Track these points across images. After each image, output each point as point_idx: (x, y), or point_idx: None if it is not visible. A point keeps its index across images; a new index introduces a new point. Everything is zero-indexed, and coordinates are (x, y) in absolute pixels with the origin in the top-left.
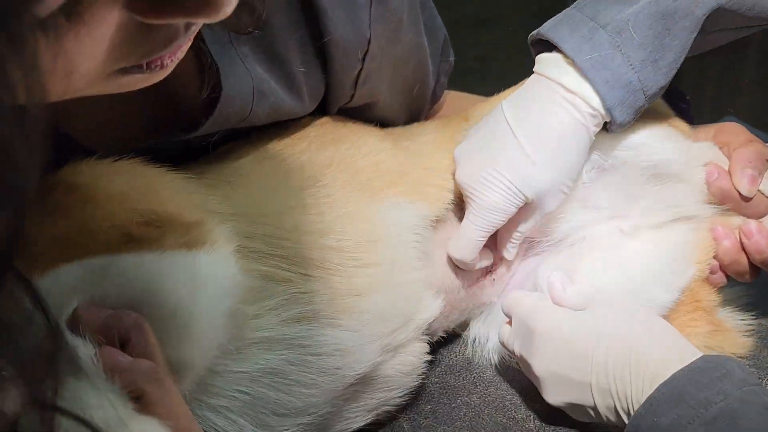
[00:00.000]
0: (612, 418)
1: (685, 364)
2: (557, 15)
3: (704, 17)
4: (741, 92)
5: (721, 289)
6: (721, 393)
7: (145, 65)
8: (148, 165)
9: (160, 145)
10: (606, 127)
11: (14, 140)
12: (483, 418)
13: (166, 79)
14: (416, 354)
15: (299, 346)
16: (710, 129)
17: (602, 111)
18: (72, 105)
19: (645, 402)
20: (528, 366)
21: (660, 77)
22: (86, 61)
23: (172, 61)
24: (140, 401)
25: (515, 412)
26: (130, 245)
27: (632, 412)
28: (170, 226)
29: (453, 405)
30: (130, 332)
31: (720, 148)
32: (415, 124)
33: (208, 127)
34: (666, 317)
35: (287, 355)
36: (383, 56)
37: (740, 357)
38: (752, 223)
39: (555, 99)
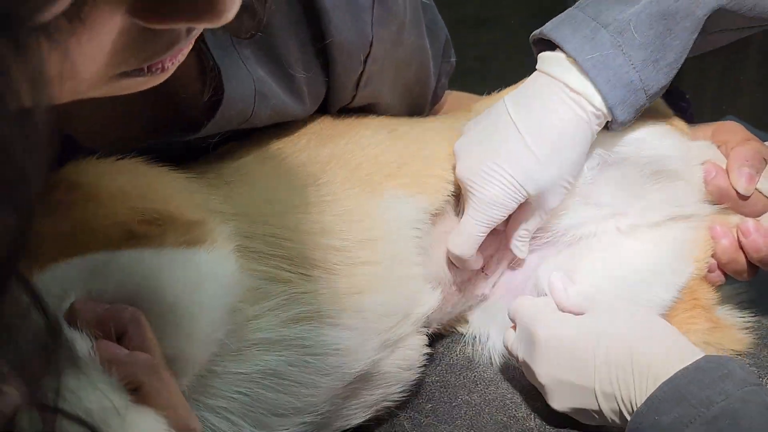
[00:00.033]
0: (617, 420)
1: (685, 364)
2: (559, 15)
3: (705, 17)
4: (742, 92)
5: (719, 288)
6: (722, 393)
7: (146, 68)
8: (149, 164)
9: (161, 145)
10: (607, 126)
11: (19, 143)
12: (483, 417)
13: (167, 80)
14: (415, 348)
15: (299, 346)
16: (708, 128)
17: (604, 110)
18: (73, 107)
19: (647, 400)
20: (532, 372)
21: (661, 77)
22: (88, 65)
23: (173, 63)
24: (137, 393)
25: (516, 410)
26: (130, 242)
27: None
28: (171, 225)
29: (453, 404)
30: (127, 326)
31: (718, 147)
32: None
33: (210, 129)
34: (665, 316)
35: (287, 357)
36: (385, 58)
37: (739, 354)
38: (750, 222)
39: (559, 97)
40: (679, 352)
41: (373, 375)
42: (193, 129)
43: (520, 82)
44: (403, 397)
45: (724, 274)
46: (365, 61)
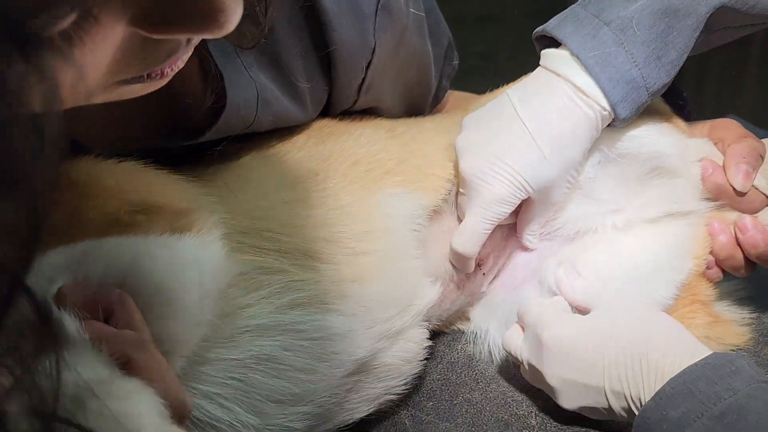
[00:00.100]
0: (626, 416)
1: (690, 357)
2: (562, 12)
3: (707, 15)
4: (743, 90)
5: (717, 284)
6: (730, 389)
7: (145, 75)
8: (147, 165)
9: (162, 147)
10: (608, 123)
11: (30, 150)
12: (484, 415)
13: (170, 85)
14: (416, 340)
15: (293, 331)
16: (705, 125)
17: (607, 107)
18: (75, 110)
19: (655, 395)
20: (539, 375)
21: (663, 74)
22: (90, 74)
23: (172, 70)
24: (127, 368)
25: (517, 408)
26: (117, 230)
27: None
28: (158, 214)
29: (454, 402)
30: (114, 307)
31: (715, 144)
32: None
33: (212, 135)
34: (665, 311)
35: (281, 341)
36: (387, 64)
37: (739, 350)
38: (747, 218)
39: (565, 94)
40: (685, 349)
41: (374, 367)
42: (195, 134)
43: (521, 78)
44: (405, 392)
45: (722, 270)
46: (367, 68)
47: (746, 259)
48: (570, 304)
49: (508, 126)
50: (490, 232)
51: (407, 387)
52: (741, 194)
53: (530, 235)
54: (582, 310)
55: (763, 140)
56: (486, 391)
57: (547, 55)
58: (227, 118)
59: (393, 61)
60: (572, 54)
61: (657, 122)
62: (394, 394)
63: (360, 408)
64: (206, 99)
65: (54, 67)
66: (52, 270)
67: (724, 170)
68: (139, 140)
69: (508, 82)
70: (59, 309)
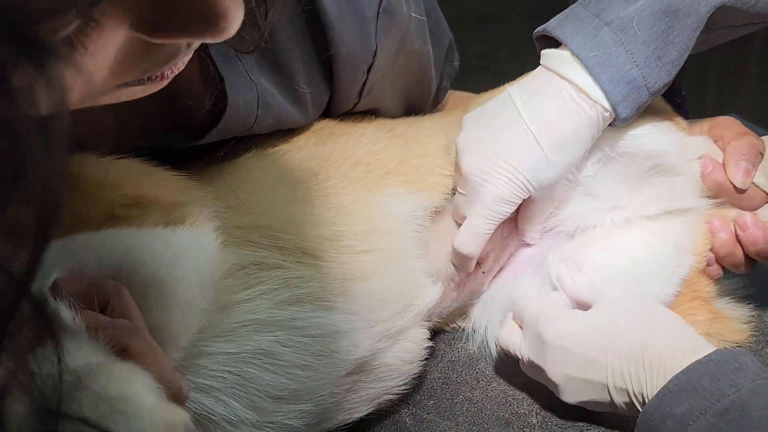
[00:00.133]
0: (628, 411)
1: (691, 353)
2: (563, 12)
3: (708, 15)
4: (744, 89)
5: (717, 281)
6: (733, 385)
7: (145, 78)
8: (146, 162)
9: (161, 146)
10: (610, 122)
11: (39, 154)
12: (485, 414)
13: (171, 87)
14: (417, 340)
15: (291, 327)
16: (705, 123)
17: (607, 107)
18: (75, 111)
19: (659, 392)
20: (540, 371)
21: (663, 74)
22: (92, 78)
23: (172, 72)
24: (123, 354)
25: (517, 407)
26: (111, 222)
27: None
28: (151, 207)
29: (455, 400)
30: (110, 298)
31: (714, 142)
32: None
33: (212, 137)
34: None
35: (278, 336)
36: (388, 67)
37: (740, 347)
38: (747, 215)
39: (567, 94)
40: (687, 345)
41: (374, 367)
42: (195, 135)
43: (521, 77)
44: (405, 392)
45: (723, 268)
46: (368, 71)
47: (746, 256)
48: (571, 301)
49: (510, 125)
50: (492, 231)
51: (407, 387)
52: (741, 191)
53: (531, 231)
54: (583, 306)
55: (762, 137)
56: (487, 389)
57: (548, 54)
58: (228, 121)
59: (394, 63)
60: (573, 54)
61: (657, 121)
62: (393, 394)
63: (359, 408)
64: (206, 101)
65: (60, 71)
66: (47, 262)
67: (724, 167)
68: (138, 140)
69: (508, 82)
70: (55, 300)
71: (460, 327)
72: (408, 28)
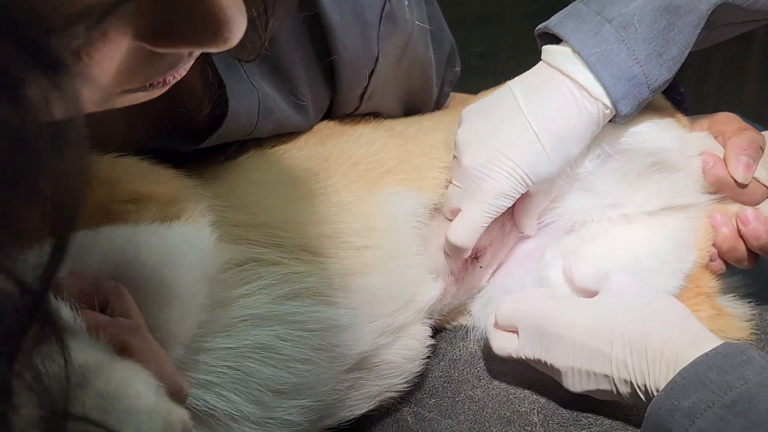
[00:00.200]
0: (633, 401)
1: (694, 346)
2: (564, 9)
3: (709, 12)
4: (744, 86)
5: (720, 277)
6: (741, 378)
7: (147, 84)
8: (146, 161)
9: (162, 148)
10: (610, 119)
11: (53, 160)
12: (487, 412)
13: (172, 93)
14: (418, 338)
15: (290, 321)
16: (705, 119)
17: (608, 104)
18: (89, 116)
19: (666, 386)
20: (545, 364)
21: (664, 71)
22: (96, 86)
23: (173, 78)
24: (124, 353)
25: (519, 405)
26: (108, 220)
27: (652, 395)
28: (147, 203)
29: (457, 399)
30: (110, 297)
31: (715, 138)
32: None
33: (213, 141)
34: None
35: (277, 331)
36: (390, 72)
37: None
38: (749, 210)
39: (568, 91)
40: (690, 337)
41: (376, 364)
42: (197, 139)
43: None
44: (407, 390)
45: (725, 263)
46: (370, 76)
47: (749, 250)
48: (577, 290)
49: (511, 120)
50: (488, 224)
51: (409, 385)
52: (742, 186)
53: (529, 224)
54: (589, 295)
55: (762, 133)
56: (488, 388)
57: (549, 50)
58: (229, 125)
59: (396, 69)
60: (574, 51)
61: (659, 118)
62: (395, 392)
63: (361, 405)
64: (207, 106)
65: (72, 80)
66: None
67: (725, 163)
68: (142, 142)
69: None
70: (56, 299)
71: (461, 325)
72: (411, 35)
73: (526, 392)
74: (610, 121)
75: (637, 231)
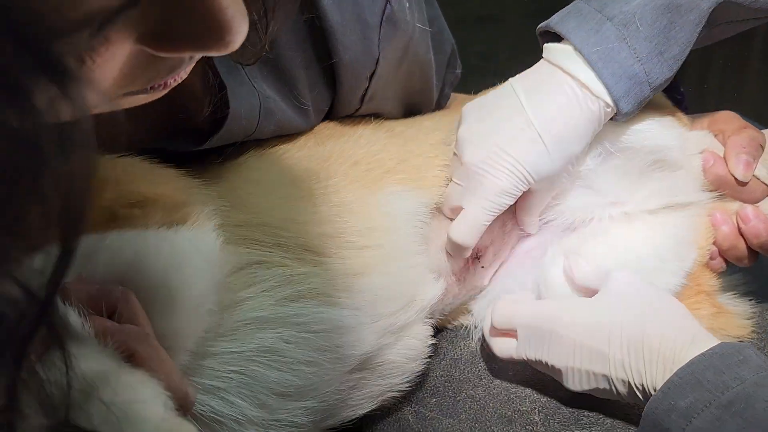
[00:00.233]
0: (632, 400)
1: (692, 345)
2: (565, 7)
3: (710, 10)
4: (745, 84)
5: (720, 275)
6: (737, 378)
7: (148, 87)
8: (148, 161)
9: (163, 149)
10: (611, 117)
11: (59, 162)
12: (488, 411)
13: (173, 94)
14: (420, 337)
15: (294, 324)
16: (705, 118)
17: (609, 102)
18: (96, 117)
19: (663, 386)
20: (545, 364)
21: (665, 69)
22: (98, 89)
23: (174, 80)
24: (131, 360)
25: (520, 404)
26: (115, 224)
27: (650, 394)
28: (153, 207)
29: (458, 398)
30: (118, 304)
31: (715, 136)
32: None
33: (214, 143)
34: None
35: (281, 333)
36: (390, 74)
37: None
38: (749, 208)
39: (570, 89)
40: (687, 336)
41: (378, 364)
42: (198, 140)
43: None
44: (408, 389)
45: (725, 261)
46: (371, 78)
47: (749, 248)
48: (578, 289)
49: (512, 118)
50: (490, 222)
51: (410, 385)
52: (742, 184)
53: (530, 221)
54: (590, 294)
55: (762, 131)
56: (489, 387)
57: (551, 48)
58: (230, 127)
59: (397, 71)
60: (575, 49)
61: (659, 116)
62: (397, 392)
63: (363, 405)
64: (208, 108)
65: (77, 84)
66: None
67: (725, 161)
68: (144, 143)
69: None
70: (64, 305)
71: (462, 325)
72: (411, 37)
73: (527, 391)
74: (611, 119)
75: (638, 229)
